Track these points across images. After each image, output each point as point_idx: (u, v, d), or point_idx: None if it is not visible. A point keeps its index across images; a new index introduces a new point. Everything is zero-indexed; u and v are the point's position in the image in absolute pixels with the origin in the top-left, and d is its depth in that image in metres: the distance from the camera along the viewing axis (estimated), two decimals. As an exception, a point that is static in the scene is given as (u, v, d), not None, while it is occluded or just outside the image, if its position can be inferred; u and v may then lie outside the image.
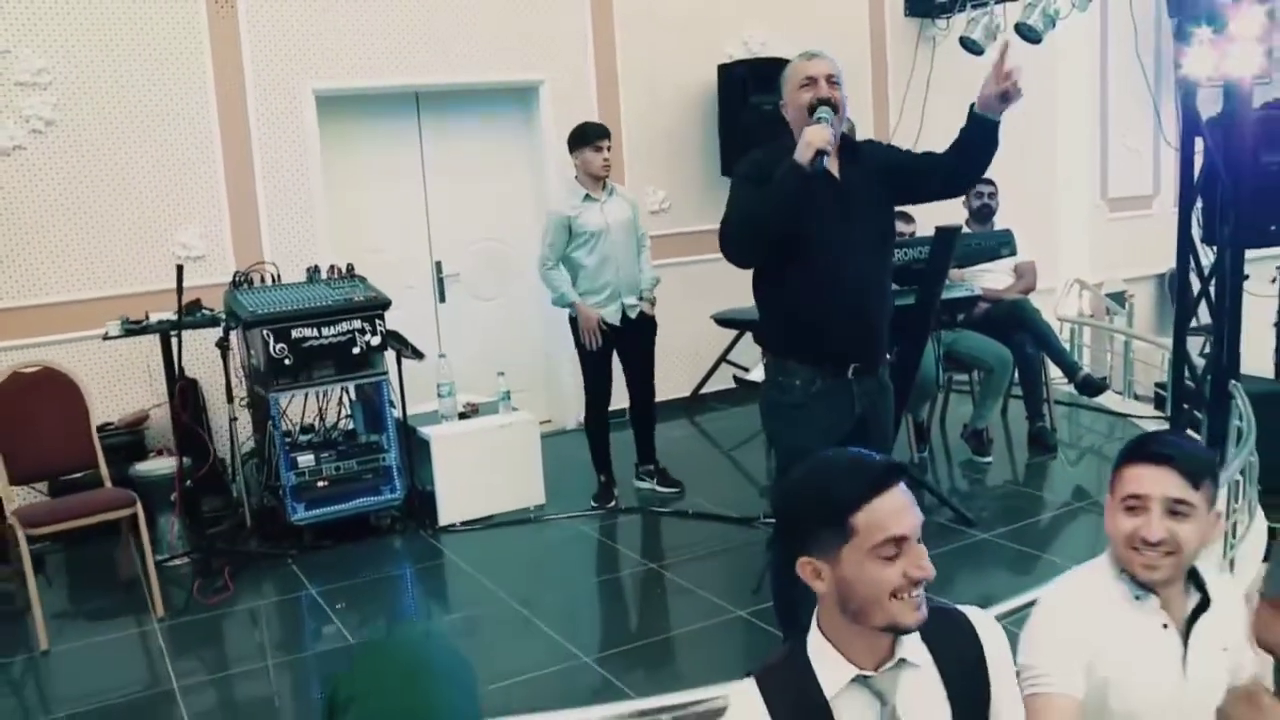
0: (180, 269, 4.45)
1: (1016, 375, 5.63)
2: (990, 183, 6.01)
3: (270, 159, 5.61)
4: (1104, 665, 1.83)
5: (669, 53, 6.59)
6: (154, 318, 4.80)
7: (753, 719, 1.59)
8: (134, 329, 4.74)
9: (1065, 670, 1.81)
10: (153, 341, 5.01)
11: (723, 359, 6.59)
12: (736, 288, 5.84)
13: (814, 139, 2.81)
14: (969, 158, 2.94)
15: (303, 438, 4.97)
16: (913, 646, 1.62)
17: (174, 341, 4.77)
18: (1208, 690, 1.90)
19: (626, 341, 5.01)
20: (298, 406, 5.06)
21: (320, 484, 4.79)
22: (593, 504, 5.04)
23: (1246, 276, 6.14)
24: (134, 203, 5.31)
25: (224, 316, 4.81)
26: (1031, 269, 5.88)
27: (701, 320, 6.00)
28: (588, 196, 4.87)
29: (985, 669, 1.68)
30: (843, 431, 2.98)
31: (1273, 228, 5.82)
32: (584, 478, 5.19)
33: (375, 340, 4.75)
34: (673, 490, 5.19)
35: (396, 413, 4.93)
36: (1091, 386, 5.70)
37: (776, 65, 6.15)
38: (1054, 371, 5.95)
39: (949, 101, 7.11)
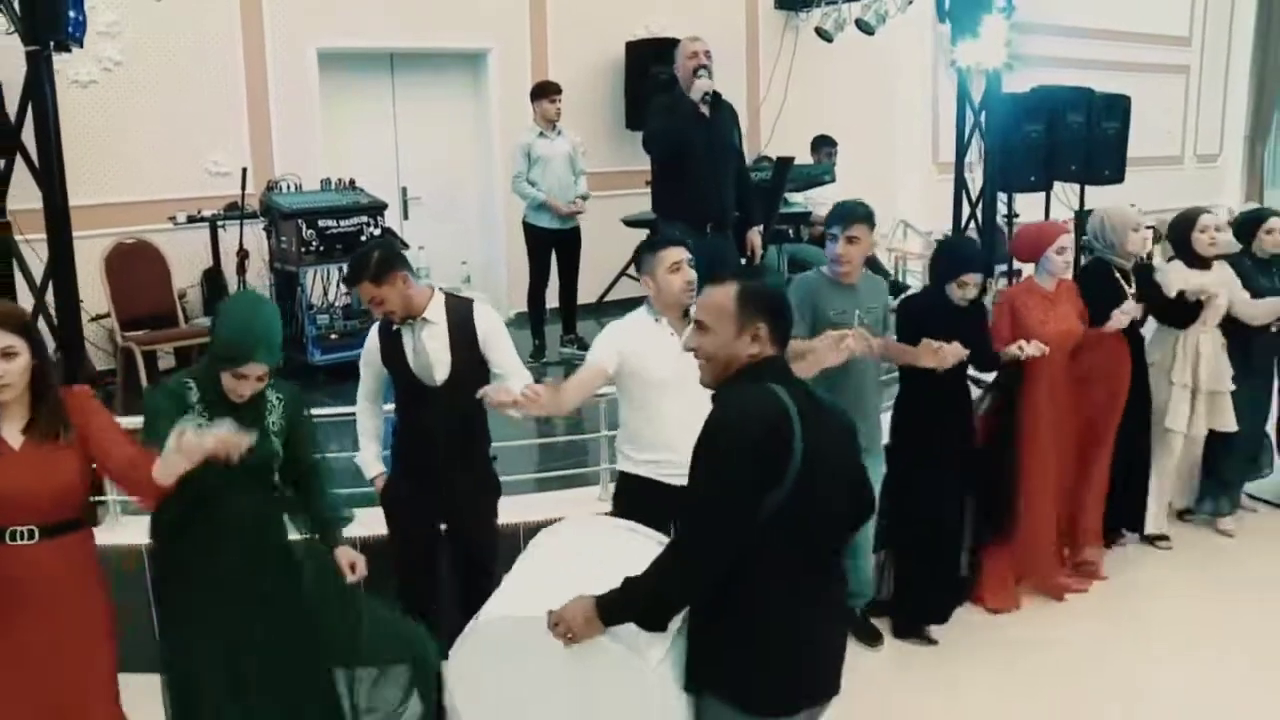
0: (245, 172, 6.52)
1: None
2: (834, 143, 8.41)
3: (281, 100, 7.65)
4: (633, 353, 3.58)
5: (588, 31, 8.80)
6: (205, 214, 6.85)
7: (372, 335, 3.77)
8: (196, 219, 6.77)
9: (604, 355, 3.59)
10: (191, 235, 7.04)
11: (623, 273, 8.80)
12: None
13: (704, 87, 5.16)
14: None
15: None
16: (436, 313, 3.67)
17: (227, 229, 6.81)
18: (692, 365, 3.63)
19: (562, 243, 7.21)
20: (306, 286, 7.09)
21: (332, 336, 6.86)
22: (529, 358, 7.20)
23: (1017, 215, 8.69)
24: (179, 128, 7.25)
25: (261, 213, 6.87)
26: (859, 205, 8.24)
27: (606, 242, 8.12)
28: (541, 133, 7.06)
29: (474, 331, 3.69)
30: (702, 261, 5.24)
31: (1032, 178, 8.36)
32: (519, 348, 7.31)
33: (377, 231, 6.84)
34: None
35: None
36: (900, 289, 8.09)
37: (672, 44, 8.50)
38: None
39: (807, 80, 9.53)
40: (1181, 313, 5.14)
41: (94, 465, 2.94)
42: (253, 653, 3.18)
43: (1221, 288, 5.20)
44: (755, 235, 5.83)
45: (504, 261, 8.40)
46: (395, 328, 3.73)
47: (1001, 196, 8.49)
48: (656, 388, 3.59)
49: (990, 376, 5.04)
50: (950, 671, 4.45)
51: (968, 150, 7.56)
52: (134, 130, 7.10)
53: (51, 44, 4.46)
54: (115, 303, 6.37)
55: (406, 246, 7.10)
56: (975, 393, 4.96)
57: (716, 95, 5.30)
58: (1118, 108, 8.79)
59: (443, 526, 3.95)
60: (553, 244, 7.19)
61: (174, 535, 3.16)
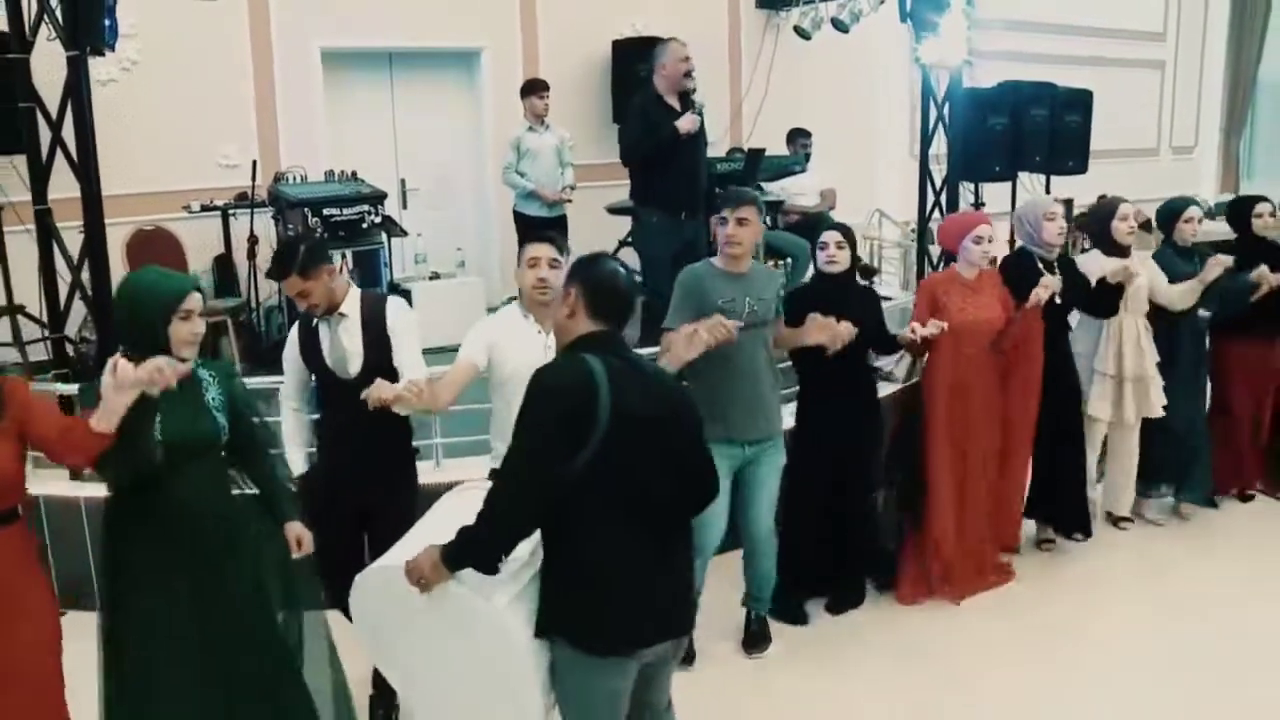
0: (255, 164, 7.11)
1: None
2: (808, 134, 9.00)
3: (287, 97, 8.24)
4: (501, 349, 3.70)
5: (577, 30, 9.38)
6: (217, 203, 7.44)
7: (292, 333, 3.92)
8: (209, 208, 7.37)
9: (473, 350, 3.71)
10: (204, 223, 7.62)
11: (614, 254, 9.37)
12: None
13: (689, 125, 5.83)
14: None
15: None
16: (351, 307, 3.79)
17: (238, 217, 7.40)
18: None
19: (550, 229, 7.77)
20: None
21: (337, 317, 7.44)
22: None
23: (984, 203, 9.24)
24: (192, 124, 7.81)
25: (269, 202, 7.46)
26: (833, 193, 8.83)
27: (593, 230, 8.61)
28: (530, 128, 7.68)
29: (385, 324, 3.78)
30: (678, 246, 5.86)
31: (996, 169, 8.93)
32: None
33: (377, 219, 7.41)
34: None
35: (387, 274, 7.61)
36: (869, 272, 8.69)
37: (656, 42, 9.05)
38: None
39: (787, 76, 10.11)
40: (1104, 299, 5.28)
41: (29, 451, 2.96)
42: (206, 635, 3.15)
43: (1140, 268, 5.45)
44: (715, 221, 6.42)
45: (496, 248, 9.00)
46: (314, 323, 3.86)
47: (970, 186, 9.09)
48: (520, 382, 3.67)
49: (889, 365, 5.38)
50: (829, 661, 4.66)
51: (932, 142, 8.15)
52: (151, 125, 7.66)
53: (88, 48, 5.05)
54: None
55: (405, 234, 7.74)
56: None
57: (687, 93, 5.91)
58: (1080, 102, 9.35)
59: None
60: (541, 228, 7.78)
61: (130, 520, 3.12)
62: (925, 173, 8.16)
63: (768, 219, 8.27)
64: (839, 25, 9.45)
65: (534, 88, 7.77)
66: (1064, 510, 5.54)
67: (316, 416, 4.12)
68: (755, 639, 4.69)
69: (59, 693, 3.05)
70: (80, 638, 3.30)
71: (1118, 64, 13.36)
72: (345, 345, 3.80)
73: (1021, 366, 5.11)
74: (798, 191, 8.62)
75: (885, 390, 5.94)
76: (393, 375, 3.68)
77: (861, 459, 4.93)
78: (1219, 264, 5.46)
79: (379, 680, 4.02)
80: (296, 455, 4.03)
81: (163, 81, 7.71)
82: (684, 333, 3.53)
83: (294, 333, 3.95)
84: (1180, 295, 5.58)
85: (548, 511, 2.77)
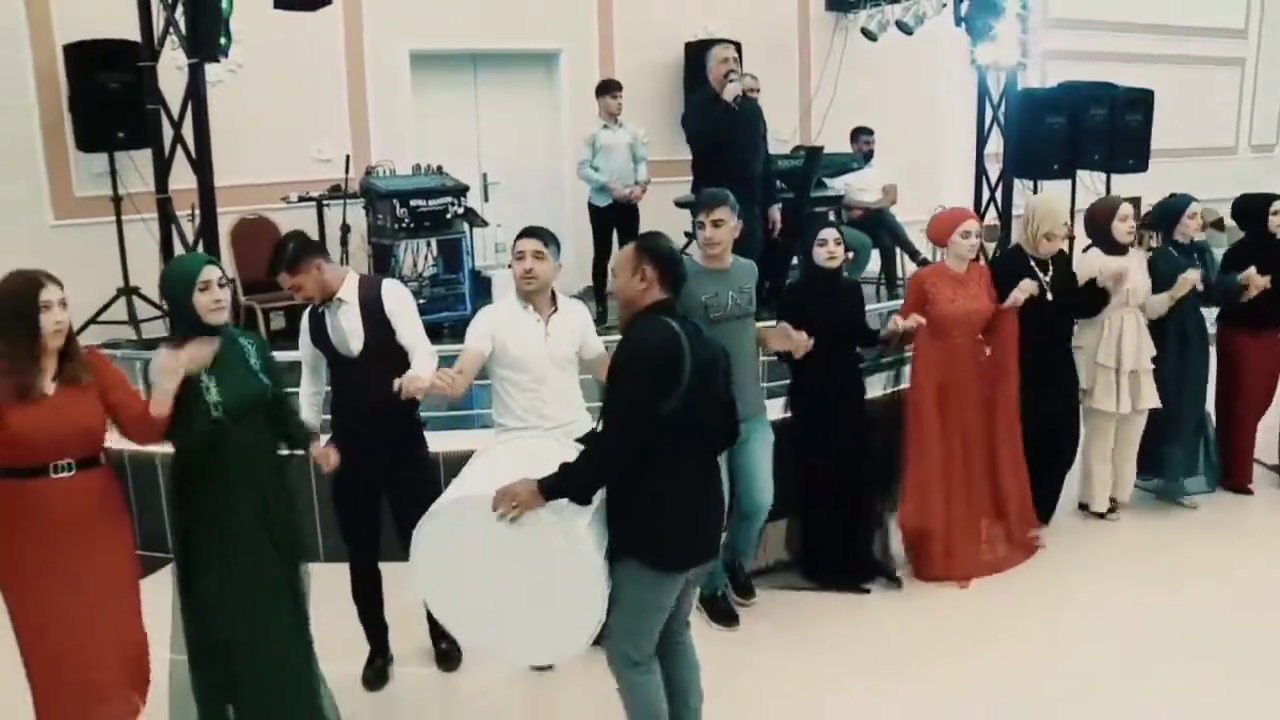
0: (348, 158, 7.84)
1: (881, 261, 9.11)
2: (870, 132, 9.49)
3: (378, 96, 8.97)
4: (503, 336, 4.08)
5: (651, 33, 9.98)
6: (313, 195, 8.17)
7: (305, 319, 4.30)
8: (305, 199, 8.10)
9: (478, 339, 4.08)
10: (301, 213, 8.34)
11: (682, 250, 9.95)
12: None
13: (735, 90, 6.36)
14: None
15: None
16: (349, 293, 4.16)
17: (331, 208, 8.13)
18: (562, 348, 4.11)
19: (621, 220, 8.40)
20: (399, 258, 8.36)
21: (421, 300, 8.10)
22: (594, 319, 8.40)
23: (1035, 199, 9.59)
24: (290, 121, 8.54)
25: (361, 194, 8.17)
26: (894, 189, 9.29)
27: (663, 222, 9.03)
28: (605, 125, 8.30)
29: (383, 307, 4.15)
30: (733, 235, 6.43)
31: (1055, 166, 9.35)
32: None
33: (460, 210, 8.08)
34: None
35: (469, 261, 8.28)
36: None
37: (728, 45, 9.60)
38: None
39: (855, 76, 10.59)
40: (1088, 300, 5.54)
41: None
42: (254, 563, 3.62)
43: (1139, 268, 5.69)
44: (774, 211, 7.01)
45: (570, 239, 9.60)
46: (320, 310, 4.24)
47: (1029, 184, 9.51)
48: (522, 369, 4.12)
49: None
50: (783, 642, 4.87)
51: (988, 141, 8.60)
52: (253, 123, 8.36)
53: (205, 56, 5.78)
54: (239, 269, 7.73)
55: (485, 224, 8.41)
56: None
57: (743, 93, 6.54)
58: (1140, 101, 9.73)
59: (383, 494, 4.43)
60: (613, 222, 8.39)
61: (195, 473, 3.59)
62: (981, 171, 8.61)
63: (830, 213, 8.81)
64: (903, 27, 9.93)
65: (608, 88, 8.38)
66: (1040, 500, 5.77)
67: (329, 388, 4.52)
68: (745, 589, 5.13)
69: (138, 619, 3.58)
70: (162, 583, 3.85)
71: (1196, 61, 13.60)
72: (345, 327, 4.20)
73: (997, 362, 5.38)
74: (860, 187, 9.11)
75: (872, 393, 6.09)
76: (393, 352, 4.16)
77: (852, 450, 5.15)
78: (1188, 282, 5.67)
79: None
80: (308, 413, 4.41)
81: (264, 83, 8.43)
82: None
83: (305, 321, 4.37)
84: (1153, 306, 5.78)
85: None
